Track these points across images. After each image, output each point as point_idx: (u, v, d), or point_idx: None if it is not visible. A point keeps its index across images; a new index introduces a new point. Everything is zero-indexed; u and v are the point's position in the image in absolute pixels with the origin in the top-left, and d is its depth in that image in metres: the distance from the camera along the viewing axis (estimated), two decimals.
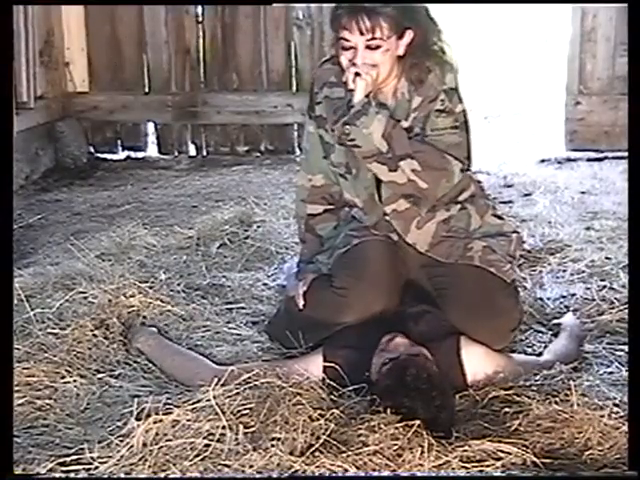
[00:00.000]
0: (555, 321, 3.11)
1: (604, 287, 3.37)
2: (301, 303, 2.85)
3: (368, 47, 2.68)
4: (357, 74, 2.70)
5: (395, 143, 2.74)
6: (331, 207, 3.01)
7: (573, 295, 3.34)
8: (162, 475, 2.18)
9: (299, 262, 3.07)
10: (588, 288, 3.38)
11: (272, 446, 2.23)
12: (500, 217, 3.03)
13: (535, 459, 2.24)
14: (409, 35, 2.73)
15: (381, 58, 2.70)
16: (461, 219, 2.91)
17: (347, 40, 2.69)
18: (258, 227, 4.08)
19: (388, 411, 2.34)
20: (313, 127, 2.98)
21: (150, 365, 2.83)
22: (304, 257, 3.05)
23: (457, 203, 2.91)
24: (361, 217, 2.94)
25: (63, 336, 2.89)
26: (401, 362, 2.46)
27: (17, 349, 2.79)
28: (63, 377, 2.69)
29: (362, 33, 2.66)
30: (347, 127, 2.74)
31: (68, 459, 2.25)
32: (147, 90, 5.87)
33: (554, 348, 2.89)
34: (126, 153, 5.95)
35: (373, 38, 2.67)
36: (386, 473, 2.18)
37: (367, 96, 2.73)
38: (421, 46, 2.77)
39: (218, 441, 2.27)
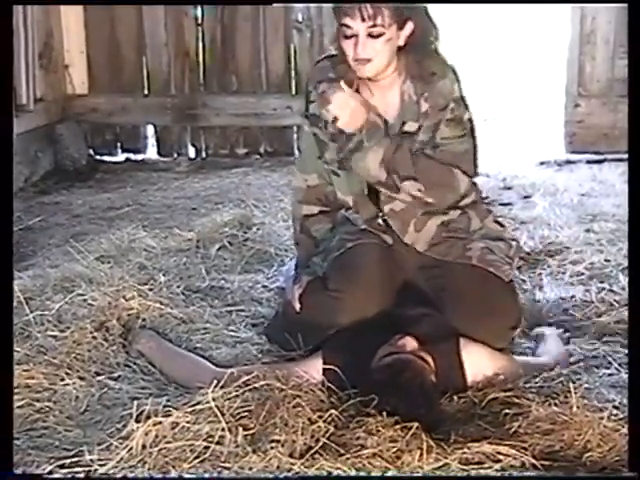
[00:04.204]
0: (537, 330, 3.08)
1: (603, 289, 3.36)
2: (297, 306, 2.85)
3: (370, 35, 2.68)
4: (335, 119, 2.74)
5: (397, 167, 2.76)
6: (326, 209, 3.02)
7: (572, 297, 3.33)
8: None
9: (296, 266, 3.08)
10: (587, 290, 3.37)
11: (271, 448, 2.23)
12: (501, 224, 3.05)
13: (534, 461, 2.23)
14: (410, 26, 2.74)
15: (382, 47, 2.70)
16: (461, 222, 2.92)
17: (349, 27, 2.69)
18: (257, 229, 4.08)
19: (377, 404, 2.37)
20: (307, 126, 3.00)
21: (149, 367, 2.82)
22: (300, 260, 3.05)
23: (458, 208, 2.92)
24: (355, 220, 2.95)
25: (63, 338, 2.88)
26: (401, 361, 2.48)
27: (17, 351, 2.78)
28: (63, 379, 2.69)
29: (364, 19, 2.66)
30: (345, 163, 2.80)
31: (67, 461, 2.24)
32: (146, 92, 5.85)
33: (548, 350, 2.89)
34: (125, 155, 5.94)
35: (374, 25, 2.67)
36: (386, 474, 2.18)
37: (361, 131, 2.75)
38: (421, 41, 2.78)
39: (217, 443, 2.27)
